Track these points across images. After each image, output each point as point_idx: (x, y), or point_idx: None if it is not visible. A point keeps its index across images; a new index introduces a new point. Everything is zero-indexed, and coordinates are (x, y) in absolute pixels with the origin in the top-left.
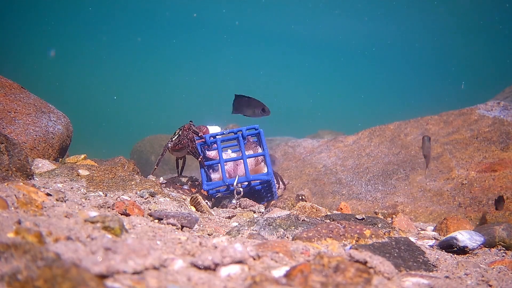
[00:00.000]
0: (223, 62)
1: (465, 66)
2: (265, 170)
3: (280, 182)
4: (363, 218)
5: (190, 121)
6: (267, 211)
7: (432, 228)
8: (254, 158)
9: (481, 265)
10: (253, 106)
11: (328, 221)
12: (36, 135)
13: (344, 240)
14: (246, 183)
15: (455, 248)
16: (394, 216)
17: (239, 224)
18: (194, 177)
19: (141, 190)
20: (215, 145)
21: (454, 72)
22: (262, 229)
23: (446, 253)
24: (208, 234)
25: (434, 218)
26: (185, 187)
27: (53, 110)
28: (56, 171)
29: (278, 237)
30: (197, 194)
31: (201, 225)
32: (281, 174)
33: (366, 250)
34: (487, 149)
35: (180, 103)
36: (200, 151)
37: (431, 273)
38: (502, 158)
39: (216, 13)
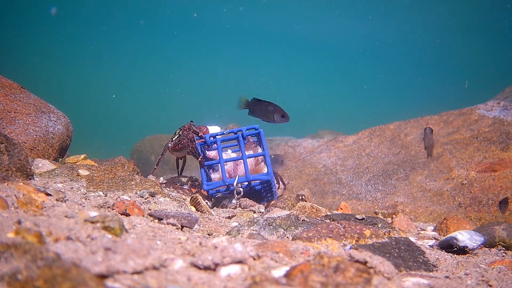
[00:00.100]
0: (223, 62)
1: (465, 66)
2: (265, 170)
3: (280, 182)
4: (363, 218)
5: (191, 121)
6: (267, 211)
7: (432, 228)
8: (254, 158)
9: (481, 265)
10: (272, 112)
11: (328, 221)
12: (36, 135)
13: (344, 240)
14: (246, 183)
15: (455, 248)
16: (394, 216)
17: (239, 224)
18: (194, 177)
19: (141, 190)
20: (215, 145)
21: (454, 72)
22: (262, 229)
23: (446, 253)
24: (208, 234)
25: (434, 218)
26: (185, 187)
27: (53, 110)
28: (56, 171)
29: (278, 237)
30: (197, 194)
31: (201, 225)
32: (281, 174)
33: (366, 250)
34: (487, 149)
35: (180, 103)
36: (200, 151)
37: (431, 273)
38: (502, 158)
39: (216, 13)
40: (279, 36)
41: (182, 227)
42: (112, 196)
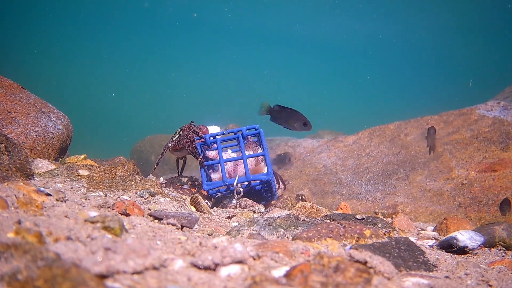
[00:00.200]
0: (223, 62)
1: (465, 66)
2: (265, 170)
3: (280, 182)
4: (363, 218)
5: (191, 121)
6: (267, 211)
7: (432, 228)
8: (254, 158)
9: (481, 265)
10: (295, 119)
11: (328, 221)
12: (36, 135)
13: (344, 240)
14: (246, 183)
15: (455, 248)
16: (394, 216)
17: (239, 224)
18: (194, 177)
19: (141, 190)
20: (215, 145)
21: (454, 72)
22: (262, 229)
23: (446, 253)
24: (208, 234)
25: (434, 218)
26: (185, 187)
27: (53, 110)
28: (56, 171)
29: (278, 237)
30: (197, 194)
31: (201, 225)
32: (281, 174)
33: (366, 250)
34: (487, 149)
35: (180, 103)
36: (200, 151)
37: (431, 273)
38: (502, 158)
39: (216, 13)
40: (279, 36)
41: (182, 227)
42: (112, 196)
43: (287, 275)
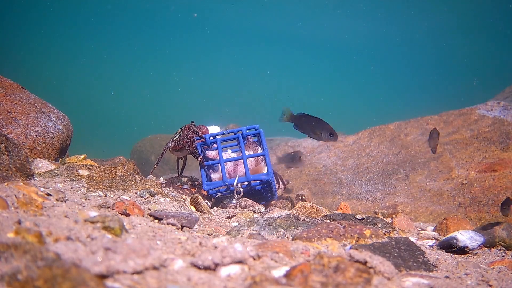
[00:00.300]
0: (223, 61)
1: (465, 66)
2: (265, 170)
3: (280, 182)
4: (363, 218)
5: (192, 121)
6: (267, 211)
7: (432, 228)
8: (254, 158)
9: (481, 265)
10: (320, 129)
11: (328, 221)
12: (36, 135)
13: (344, 240)
14: (246, 183)
15: (455, 248)
16: (394, 216)
17: (239, 224)
18: (194, 177)
19: (141, 190)
20: (215, 145)
21: (454, 72)
22: (262, 229)
23: (446, 253)
24: (208, 234)
25: (434, 218)
26: (185, 187)
27: (53, 110)
28: (56, 171)
29: (278, 237)
30: (197, 194)
31: (201, 225)
32: (281, 174)
33: (366, 250)
34: (487, 149)
35: (181, 103)
36: (200, 151)
37: (431, 273)
38: (502, 158)
39: (217, 13)
40: (279, 36)
41: (182, 227)
42: (112, 196)
43: (287, 275)
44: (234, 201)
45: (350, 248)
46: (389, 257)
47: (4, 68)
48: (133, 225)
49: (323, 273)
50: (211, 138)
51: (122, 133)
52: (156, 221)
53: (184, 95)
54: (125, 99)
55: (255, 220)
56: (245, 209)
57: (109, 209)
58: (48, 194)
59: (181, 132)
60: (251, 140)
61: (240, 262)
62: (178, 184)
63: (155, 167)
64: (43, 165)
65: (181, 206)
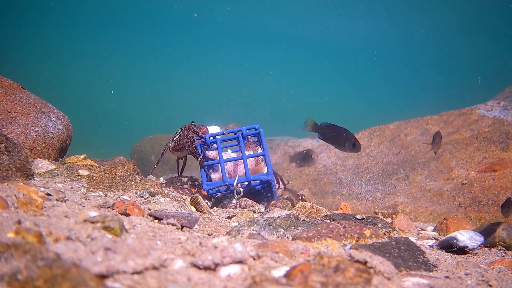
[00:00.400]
0: (223, 62)
1: (465, 66)
2: (265, 170)
3: (280, 182)
4: (363, 218)
5: (192, 121)
6: (267, 211)
7: (432, 228)
8: (254, 158)
9: (481, 265)
10: (344, 139)
11: (328, 221)
12: (36, 135)
13: (344, 240)
14: (246, 183)
15: (455, 248)
16: (394, 216)
17: (239, 224)
18: (194, 177)
19: (141, 190)
20: (215, 145)
21: (455, 72)
22: (262, 229)
23: (446, 253)
24: (208, 234)
25: (434, 218)
26: (185, 187)
27: (53, 110)
28: (56, 171)
29: (278, 237)
30: (197, 194)
31: (201, 225)
32: (281, 174)
33: (366, 250)
34: (487, 149)
35: (180, 103)
36: (200, 151)
37: (431, 273)
38: (502, 158)
39: (217, 13)
40: (279, 35)
41: (182, 227)
42: (112, 196)
43: (287, 275)
44: (234, 201)
45: (350, 248)
46: (389, 257)
47: (4, 68)
48: (133, 225)
49: (323, 273)
50: (211, 138)
51: (122, 133)
52: (156, 221)
53: (184, 95)
54: (125, 99)
55: (255, 220)
56: (245, 209)
57: (109, 209)
58: (48, 194)
59: (181, 132)
60: (251, 140)
61: (240, 262)
62: (178, 184)
63: (155, 167)
64: (43, 165)
65: (181, 206)
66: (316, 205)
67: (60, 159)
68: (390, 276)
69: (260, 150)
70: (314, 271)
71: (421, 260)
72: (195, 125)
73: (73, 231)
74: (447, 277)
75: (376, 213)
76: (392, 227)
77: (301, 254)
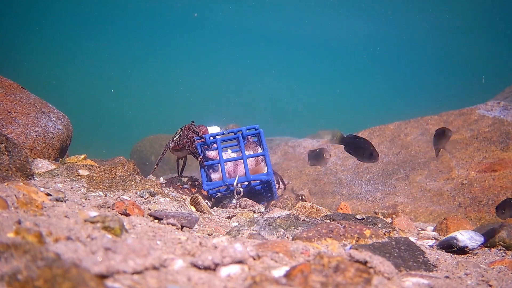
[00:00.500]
0: (223, 62)
1: (466, 66)
2: (265, 170)
3: (280, 182)
4: (363, 218)
5: (192, 121)
6: (267, 211)
7: (432, 228)
8: (254, 158)
9: (481, 265)
10: (362, 149)
11: (328, 221)
12: (36, 135)
13: (344, 240)
14: (246, 183)
15: (455, 248)
16: (394, 216)
17: (239, 224)
18: (194, 177)
19: (141, 190)
20: (215, 145)
21: (455, 72)
22: (262, 229)
23: (446, 253)
24: (208, 234)
25: (434, 218)
26: (185, 187)
27: (53, 110)
28: (56, 171)
29: (278, 237)
30: (197, 194)
31: (201, 225)
32: (281, 174)
33: (366, 250)
34: (487, 149)
35: (181, 103)
36: (200, 151)
37: (431, 273)
38: (502, 158)
39: (217, 13)
40: (279, 36)
41: (182, 227)
42: (112, 196)
43: (287, 275)
44: (234, 201)
45: (350, 248)
46: (389, 257)
47: (4, 68)
48: (133, 225)
49: (323, 273)
50: (211, 138)
51: (122, 133)
52: (156, 221)
53: (184, 95)
54: (125, 99)
55: (255, 220)
56: (245, 209)
57: (109, 209)
58: (48, 194)
59: (181, 132)
60: (251, 140)
61: (240, 262)
62: (178, 184)
63: (155, 168)
64: (43, 165)
65: (181, 206)
66: (316, 205)
67: (60, 159)
68: (390, 276)
69: (260, 150)
70: (314, 271)
71: (421, 260)
72: (195, 125)
73: (73, 231)
74: (447, 277)
75: (376, 213)
76: (392, 227)
77: (301, 254)
